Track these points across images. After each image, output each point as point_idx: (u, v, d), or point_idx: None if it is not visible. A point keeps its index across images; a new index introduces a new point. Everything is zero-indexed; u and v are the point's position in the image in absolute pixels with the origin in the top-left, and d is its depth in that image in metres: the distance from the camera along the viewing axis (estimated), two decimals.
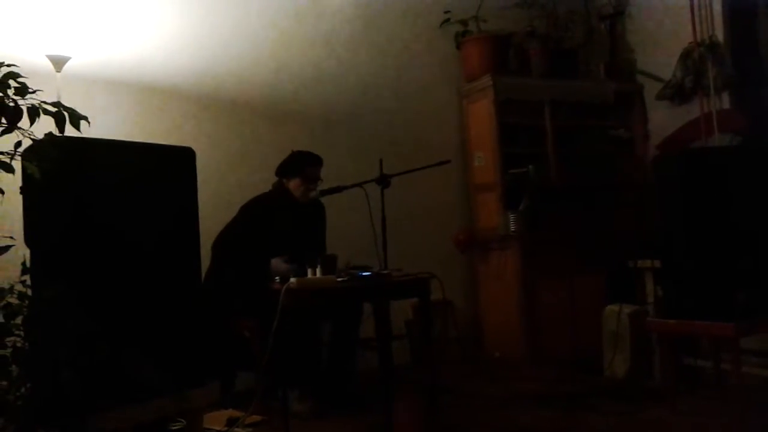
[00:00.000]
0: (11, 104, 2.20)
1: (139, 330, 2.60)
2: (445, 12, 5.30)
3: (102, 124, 3.54)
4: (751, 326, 3.26)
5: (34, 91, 2.25)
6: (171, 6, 4.39)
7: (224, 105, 4.56)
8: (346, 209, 4.02)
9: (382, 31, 5.16)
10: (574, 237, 4.86)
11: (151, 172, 2.78)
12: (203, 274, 3.42)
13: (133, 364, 2.45)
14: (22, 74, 2.25)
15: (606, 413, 3.46)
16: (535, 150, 5.08)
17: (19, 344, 2.23)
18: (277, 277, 3.35)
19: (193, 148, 2.99)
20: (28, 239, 2.59)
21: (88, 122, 2.35)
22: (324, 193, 3.78)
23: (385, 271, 3.30)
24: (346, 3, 5.03)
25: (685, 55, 4.94)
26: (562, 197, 5.03)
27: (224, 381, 3.76)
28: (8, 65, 2.26)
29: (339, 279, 3.24)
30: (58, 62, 3.78)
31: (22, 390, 2.22)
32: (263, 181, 4.09)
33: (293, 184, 3.96)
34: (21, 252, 2.49)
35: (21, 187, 2.54)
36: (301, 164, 3.96)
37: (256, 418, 3.41)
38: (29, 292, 2.33)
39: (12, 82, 2.21)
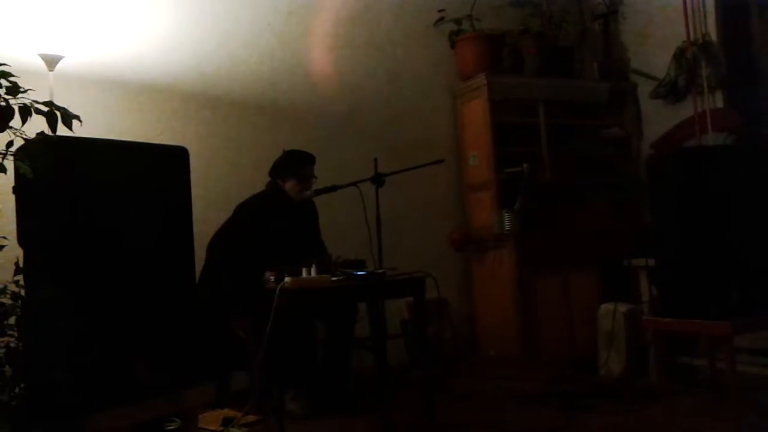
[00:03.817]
0: (2, 103, 2.18)
1: (134, 330, 2.58)
2: (439, 11, 5.29)
3: (95, 124, 3.53)
4: (746, 325, 3.26)
5: (25, 90, 2.23)
6: (165, 5, 4.38)
7: (218, 104, 4.55)
8: (340, 208, 4.02)
9: (376, 31, 5.15)
10: (568, 236, 4.88)
11: (144, 172, 2.77)
12: (197, 274, 3.41)
13: (128, 364, 2.44)
14: (14, 73, 2.23)
15: (601, 412, 3.46)
16: (529, 149, 5.08)
17: (12, 345, 2.22)
18: (271, 276, 3.34)
19: (187, 147, 2.98)
20: (21, 239, 2.57)
21: (81, 121, 2.34)
22: (319, 192, 3.77)
23: (380, 271, 3.29)
24: (341, 2, 5.02)
25: (679, 54, 4.95)
26: (556, 196, 5.04)
27: (219, 381, 3.75)
28: (0, 64, 2.24)
29: (334, 278, 3.23)
30: (51, 61, 3.76)
31: (17, 390, 2.20)
32: (258, 181, 4.08)
33: (289, 185, 3.95)
34: (14, 252, 2.48)
35: (13, 187, 2.53)
36: (294, 165, 3.96)
37: (251, 418, 3.40)
38: (23, 292, 2.32)
39: (3, 81, 2.20)
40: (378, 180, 3.45)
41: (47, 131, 2.29)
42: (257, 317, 3.25)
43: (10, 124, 2.20)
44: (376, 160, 3.47)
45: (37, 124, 2.26)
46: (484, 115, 5.03)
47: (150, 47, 4.31)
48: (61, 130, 2.31)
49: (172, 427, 2.94)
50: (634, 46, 5.58)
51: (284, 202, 3.95)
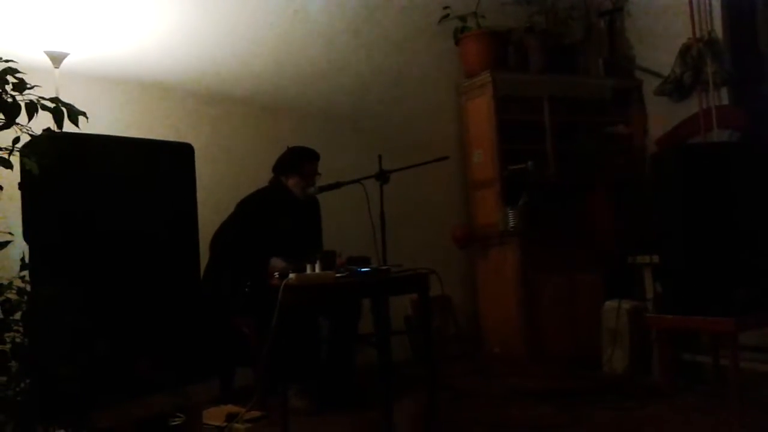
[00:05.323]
0: (9, 100, 2.19)
1: (139, 326, 2.60)
2: (444, 8, 5.29)
3: (100, 120, 3.54)
4: (750, 322, 3.26)
5: (32, 87, 2.24)
6: (169, 3, 4.38)
7: (223, 101, 4.56)
8: (344, 205, 4.02)
9: (381, 27, 5.16)
10: (573, 233, 4.87)
11: (149, 168, 2.79)
12: (202, 271, 3.42)
13: (133, 360, 2.45)
14: (21, 70, 2.24)
15: (605, 409, 3.46)
16: (533, 146, 5.07)
17: (18, 340, 2.23)
18: (276, 273, 3.34)
19: (192, 144, 2.99)
20: (27, 235, 2.59)
21: (87, 118, 2.35)
22: (323, 189, 3.77)
23: (384, 267, 3.29)
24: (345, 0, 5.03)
25: (684, 51, 4.93)
26: (561, 193, 5.03)
27: (223, 377, 3.76)
28: (6, 61, 2.25)
29: (338, 275, 3.23)
30: (57, 58, 3.77)
31: (22, 385, 2.21)
32: (262, 178, 4.09)
33: (292, 182, 3.96)
34: (20, 248, 2.49)
35: (19, 183, 2.55)
36: (298, 161, 3.96)
37: (255, 413, 3.41)
38: (28, 287, 2.33)
39: (10, 78, 2.21)
40: (382, 177, 3.45)
41: (53, 127, 2.30)
42: (261, 313, 3.26)
43: (17, 120, 2.21)
44: (380, 157, 3.47)
45: (44, 121, 2.27)
46: (488, 112, 5.03)
47: (155, 45, 4.32)
48: (67, 127, 2.31)
49: (176, 423, 2.96)
50: (639, 43, 5.57)
51: (287, 198, 3.96)
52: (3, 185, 2.23)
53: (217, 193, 4.21)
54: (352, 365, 3.93)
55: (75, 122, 2.31)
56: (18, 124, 2.22)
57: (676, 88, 5.04)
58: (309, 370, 3.71)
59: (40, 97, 2.25)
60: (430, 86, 5.32)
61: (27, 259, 2.45)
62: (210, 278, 3.68)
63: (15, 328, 2.23)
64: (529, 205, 4.86)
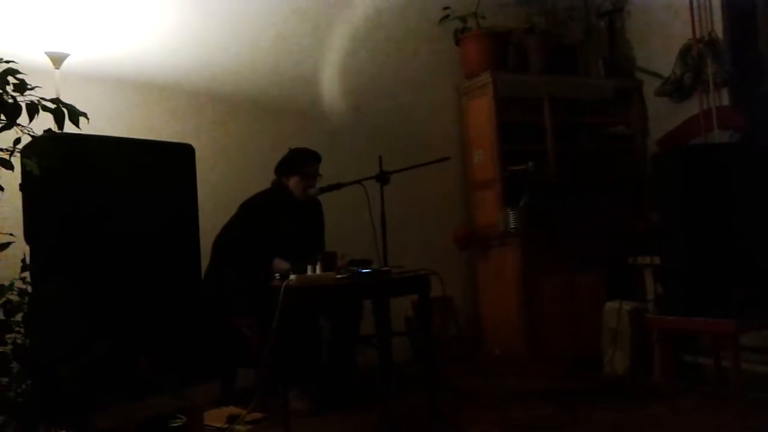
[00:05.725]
0: (10, 101, 2.19)
1: (140, 327, 2.59)
2: (444, 8, 5.29)
3: (101, 121, 3.53)
4: (751, 323, 3.26)
5: (32, 88, 2.24)
6: (170, 4, 4.38)
7: (223, 102, 4.55)
8: (345, 206, 4.02)
9: (381, 28, 5.15)
10: (573, 234, 4.86)
11: (150, 169, 2.78)
12: (203, 272, 3.42)
13: (134, 361, 2.45)
14: (21, 71, 2.24)
15: (605, 410, 3.46)
16: (534, 147, 5.07)
17: (19, 341, 2.22)
18: (277, 274, 3.34)
19: (193, 144, 2.98)
20: (28, 236, 2.58)
21: (87, 119, 2.35)
22: (323, 190, 3.78)
23: (385, 268, 3.30)
24: (345, 0, 5.02)
25: (684, 52, 4.93)
26: (561, 194, 5.03)
27: (224, 378, 3.76)
28: (7, 62, 2.25)
29: (339, 276, 3.23)
30: (57, 59, 3.77)
31: (23, 387, 2.21)
32: (262, 179, 4.09)
33: (292, 182, 3.96)
34: (21, 249, 2.49)
35: (20, 184, 2.54)
36: (299, 162, 3.97)
37: (256, 415, 3.41)
38: (29, 289, 2.33)
39: (11, 79, 2.21)
40: (383, 178, 3.45)
41: (54, 128, 2.30)
42: (262, 315, 3.26)
43: (18, 121, 2.21)
44: (380, 158, 3.47)
45: (44, 122, 2.27)
46: (489, 113, 5.03)
47: (155, 46, 4.32)
48: (68, 128, 2.31)
49: (177, 424, 2.95)
50: (640, 44, 5.57)
51: (289, 200, 3.96)
52: (4, 186, 2.23)
53: (218, 194, 4.21)
54: (352, 366, 3.93)
55: (76, 123, 2.31)
56: (19, 125, 2.22)
57: (677, 89, 5.04)
58: (310, 372, 3.72)
59: (41, 98, 2.24)
60: (430, 87, 5.32)
61: (28, 260, 2.45)
62: (211, 279, 3.68)
63: (16, 329, 2.23)
64: (529, 206, 4.86)
